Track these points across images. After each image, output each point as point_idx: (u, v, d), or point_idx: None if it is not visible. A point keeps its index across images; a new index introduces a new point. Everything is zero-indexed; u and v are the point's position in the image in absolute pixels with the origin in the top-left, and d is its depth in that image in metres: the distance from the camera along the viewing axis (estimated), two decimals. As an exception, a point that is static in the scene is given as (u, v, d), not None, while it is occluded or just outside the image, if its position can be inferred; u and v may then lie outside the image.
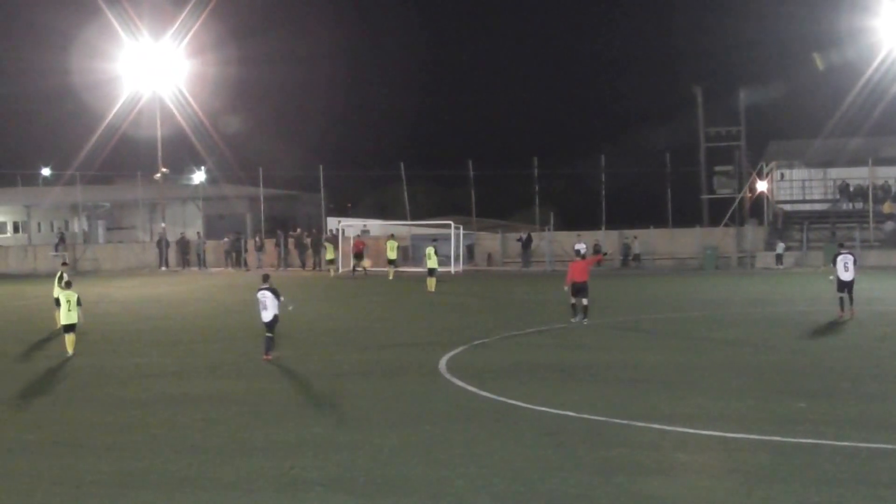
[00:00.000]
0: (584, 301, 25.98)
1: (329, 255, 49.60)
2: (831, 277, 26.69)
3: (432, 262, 37.57)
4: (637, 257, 50.91)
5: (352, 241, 50.79)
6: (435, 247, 39.22)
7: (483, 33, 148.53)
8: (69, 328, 21.39)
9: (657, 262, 50.61)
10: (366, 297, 35.52)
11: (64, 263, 24.74)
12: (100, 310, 32.61)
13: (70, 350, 21.32)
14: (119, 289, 42.12)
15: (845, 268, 26.09)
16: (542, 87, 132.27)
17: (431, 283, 36.91)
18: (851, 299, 26.06)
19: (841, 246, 30.10)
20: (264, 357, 20.22)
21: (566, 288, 26.42)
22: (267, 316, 20.34)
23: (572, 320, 26.01)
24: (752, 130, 57.28)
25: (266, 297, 20.33)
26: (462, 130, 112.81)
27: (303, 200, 76.15)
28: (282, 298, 20.49)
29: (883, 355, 19.43)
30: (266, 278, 21.24)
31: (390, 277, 43.99)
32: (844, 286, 26.07)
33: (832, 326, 24.22)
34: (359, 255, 48.72)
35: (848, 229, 49.24)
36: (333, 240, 53.17)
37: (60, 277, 24.48)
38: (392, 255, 45.29)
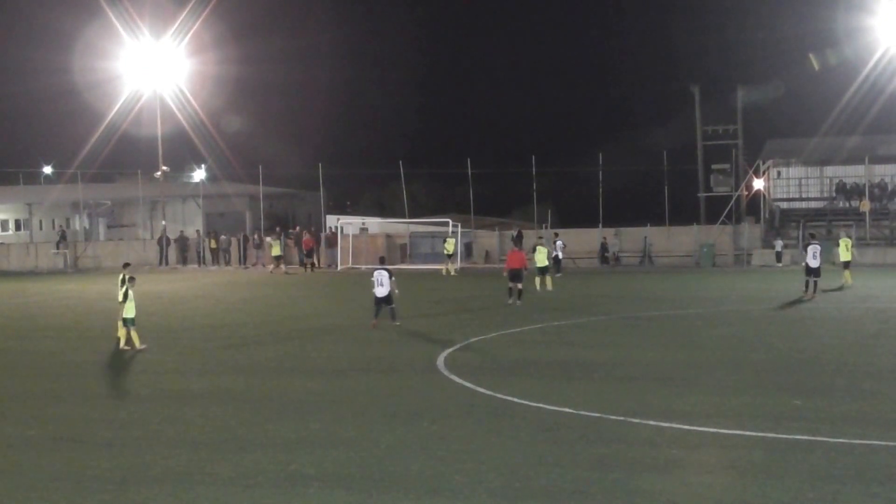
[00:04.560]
0: (519, 286, 29.78)
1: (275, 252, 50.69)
2: (803, 263, 31.00)
3: (542, 261, 35.38)
4: (615, 255, 51.18)
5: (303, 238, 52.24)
6: (545, 245, 37.34)
7: (482, 33, 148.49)
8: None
9: (655, 260, 50.71)
10: (365, 295, 35.54)
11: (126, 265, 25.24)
12: (100, 306, 32.69)
13: (121, 343, 21.72)
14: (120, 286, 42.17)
15: (813, 256, 30.11)
16: (540, 86, 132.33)
17: (548, 281, 34.69)
18: (816, 284, 30.25)
19: (812, 237, 33.29)
20: (395, 324, 24.42)
21: (504, 274, 30.64)
22: (382, 292, 24.47)
23: (508, 302, 29.63)
24: (749, 129, 57.45)
25: (382, 275, 24.50)
26: (461, 129, 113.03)
27: (302, 198, 76.26)
28: (393, 278, 24.69)
29: (878, 352, 19.49)
30: (382, 260, 27.04)
31: (447, 273, 45.21)
32: (811, 272, 30.22)
33: (827, 324, 24.30)
34: (309, 253, 50.28)
35: (844, 227, 49.33)
36: (333, 238, 53.32)
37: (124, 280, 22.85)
38: (450, 249, 46.78)
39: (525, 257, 31.36)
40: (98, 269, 55.62)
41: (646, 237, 50.46)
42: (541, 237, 42.36)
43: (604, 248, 51.16)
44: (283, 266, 49.63)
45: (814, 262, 30.16)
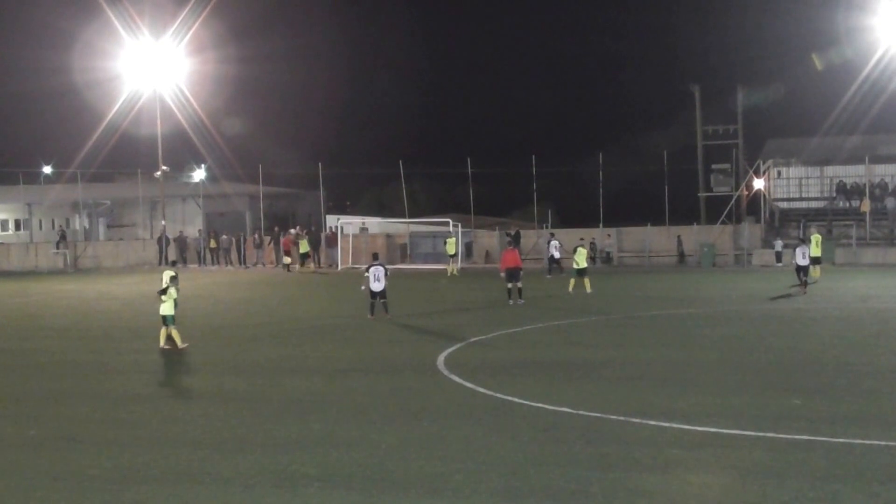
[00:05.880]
0: (519, 284, 29.94)
1: (302, 249, 50.78)
2: (793, 262, 33.47)
3: (582, 262, 34.47)
4: (609, 256, 51.16)
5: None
6: (585, 246, 36.55)
7: (483, 33, 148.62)
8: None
9: (654, 260, 50.73)
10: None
11: (173, 263, 26.33)
12: (100, 306, 32.73)
13: (161, 342, 21.62)
14: (119, 286, 42.25)
15: (802, 255, 32.71)
16: (540, 86, 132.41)
17: (586, 283, 33.77)
18: (803, 280, 32.81)
19: (802, 241, 35.14)
20: (385, 316, 26.08)
21: (502, 274, 30.61)
22: (378, 286, 26.15)
23: (509, 303, 29.57)
24: (749, 128, 57.41)
25: (379, 270, 26.21)
26: (461, 128, 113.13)
27: (302, 198, 76.28)
28: (388, 273, 26.43)
29: (878, 352, 19.49)
30: (376, 256, 28.36)
31: (451, 273, 45.02)
32: (802, 269, 32.79)
33: (827, 324, 24.31)
34: (287, 253, 50.61)
35: (844, 227, 49.34)
36: (333, 237, 53.33)
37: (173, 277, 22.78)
38: (451, 249, 46.60)
39: (519, 256, 31.44)
40: (98, 269, 55.61)
41: (679, 235, 50.32)
42: (582, 238, 41.26)
43: (592, 248, 51.07)
44: (306, 264, 49.91)
45: (803, 262, 32.62)
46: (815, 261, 35.68)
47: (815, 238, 36.38)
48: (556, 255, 42.62)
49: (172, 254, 55.45)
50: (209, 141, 64.81)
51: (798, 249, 33.17)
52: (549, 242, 43.94)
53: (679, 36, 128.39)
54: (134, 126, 60.17)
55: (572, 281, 34.25)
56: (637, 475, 10.99)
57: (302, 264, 50.29)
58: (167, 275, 22.58)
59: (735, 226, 51.42)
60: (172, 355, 21.04)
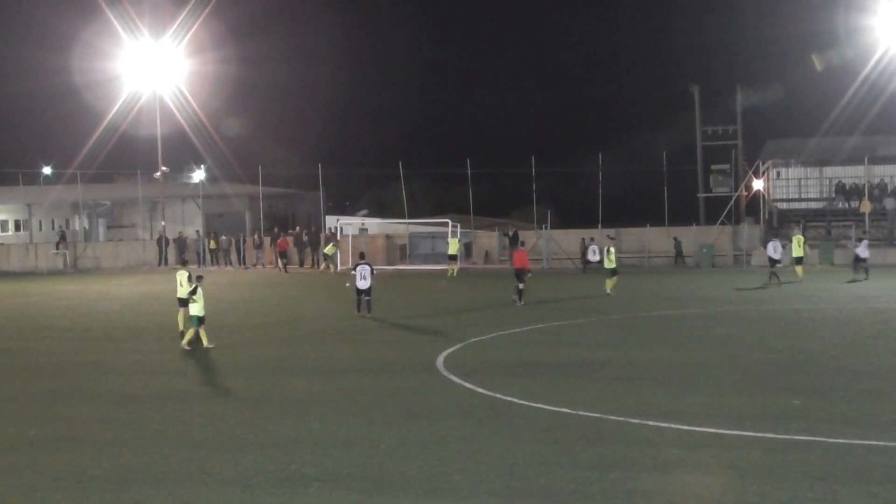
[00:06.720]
0: (521, 286, 29.97)
1: (329, 251, 50.69)
2: (768, 255, 35.92)
3: (611, 263, 33.82)
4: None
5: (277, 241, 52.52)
6: (615, 246, 36.13)
7: (482, 33, 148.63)
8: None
9: (653, 260, 50.73)
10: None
11: (184, 262, 26.83)
12: (100, 307, 32.73)
13: (184, 342, 21.62)
14: (119, 286, 42.23)
15: (773, 249, 35.28)
16: (540, 86, 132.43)
17: (607, 283, 33.41)
18: (774, 273, 35.02)
19: (774, 236, 38.67)
20: (366, 316, 26.73)
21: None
22: (364, 284, 26.91)
23: (512, 297, 30.00)
24: (748, 129, 57.40)
25: (365, 269, 27.01)
26: (460, 129, 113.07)
27: (302, 199, 76.29)
28: (375, 272, 27.40)
29: (878, 352, 19.52)
30: (363, 255, 28.91)
31: (451, 274, 44.84)
32: (774, 263, 35.37)
33: (827, 324, 24.32)
34: (283, 254, 50.61)
35: (843, 227, 49.35)
36: (332, 237, 53.34)
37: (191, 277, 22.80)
38: (452, 251, 46.36)
39: (527, 257, 31.70)
40: (98, 270, 55.60)
41: (675, 237, 50.29)
42: (612, 238, 40.76)
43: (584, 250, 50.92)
44: (327, 266, 49.98)
45: (776, 255, 35.29)
46: (797, 261, 36.85)
47: (798, 239, 37.32)
48: (596, 258, 42.66)
49: (174, 254, 55.51)
50: (209, 141, 64.86)
51: (770, 244, 35.54)
52: (587, 247, 44.25)
53: (679, 36, 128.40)
54: (134, 127, 60.20)
55: (610, 282, 33.59)
56: (636, 475, 11.00)
57: (328, 266, 50.36)
58: (182, 275, 22.49)
59: (734, 226, 51.41)
60: (174, 356, 21.05)
